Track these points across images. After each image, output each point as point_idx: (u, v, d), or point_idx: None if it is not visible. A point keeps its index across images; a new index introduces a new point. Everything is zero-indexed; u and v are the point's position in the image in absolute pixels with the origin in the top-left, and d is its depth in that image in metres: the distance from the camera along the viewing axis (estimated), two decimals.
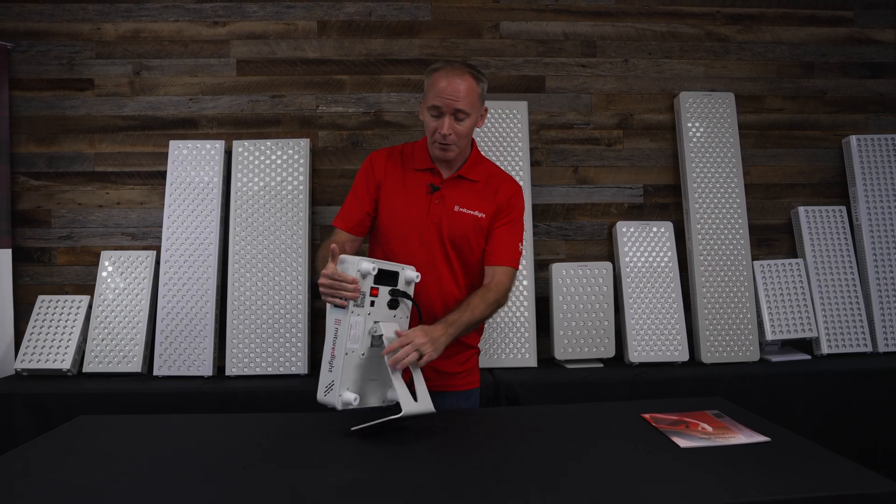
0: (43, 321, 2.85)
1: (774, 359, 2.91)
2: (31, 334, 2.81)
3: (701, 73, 3.23)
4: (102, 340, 2.80)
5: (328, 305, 1.68)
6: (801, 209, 3.12)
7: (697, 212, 3.02)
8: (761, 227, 3.20)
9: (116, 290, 2.88)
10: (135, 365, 2.78)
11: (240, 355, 2.80)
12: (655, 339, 2.87)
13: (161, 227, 2.96)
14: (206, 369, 2.80)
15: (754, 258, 3.09)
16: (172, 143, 2.98)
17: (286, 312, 2.83)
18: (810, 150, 3.26)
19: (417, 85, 3.12)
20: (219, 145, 2.97)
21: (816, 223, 3.11)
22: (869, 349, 2.97)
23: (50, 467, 1.44)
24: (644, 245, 2.99)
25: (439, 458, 1.49)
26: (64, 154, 3.07)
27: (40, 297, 2.91)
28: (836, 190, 3.25)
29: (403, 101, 3.14)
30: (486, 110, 2.04)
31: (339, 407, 1.60)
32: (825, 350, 2.94)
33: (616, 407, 1.93)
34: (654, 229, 3.01)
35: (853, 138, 3.16)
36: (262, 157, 2.95)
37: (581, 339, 2.84)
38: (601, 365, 2.85)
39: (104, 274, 2.90)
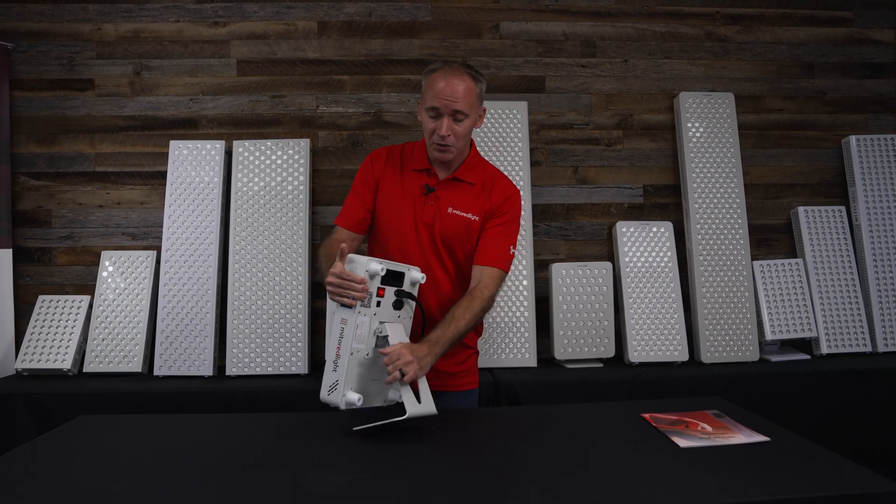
0: (43, 321, 2.85)
1: (774, 359, 2.91)
2: (31, 334, 2.82)
3: (701, 73, 3.23)
4: (103, 340, 2.81)
5: (333, 304, 1.68)
6: (801, 209, 3.12)
7: (697, 212, 3.02)
8: (761, 227, 3.21)
9: (117, 290, 2.88)
10: (135, 365, 2.78)
11: (240, 355, 2.80)
12: (655, 338, 2.87)
13: (161, 227, 2.97)
14: (207, 369, 2.80)
15: (754, 258, 3.09)
16: (173, 144, 2.98)
17: (286, 312, 2.83)
18: (810, 151, 3.26)
19: (417, 85, 3.13)
20: (219, 145, 2.98)
21: (816, 223, 3.11)
22: (868, 349, 2.97)
23: (50, 467, 1.44)
24: (644, 245, 2.99)
25: (439, 458, 1.49)
26: (64, 154, 3.08)
27: (41, 297, 2.91)
28: (835, 190, 3.25)
29: (403, 102, 3.14)
30: (484, 110, 2.03)
31: (343, 407, 1.60)
32: (825, 350, 2.95)
33: (616, 407, 1.93)
34: (654, 229, 3.02)
35: (853, 138, 3.16)
36: (263, 158, 2.95)
37: (581, 338, 2.85)
38: (601, 365, 2.85)
39: (104, 274, 2.91)
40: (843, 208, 3.14)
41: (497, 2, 3.18)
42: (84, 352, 2.83)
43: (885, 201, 3.10)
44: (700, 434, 1.58)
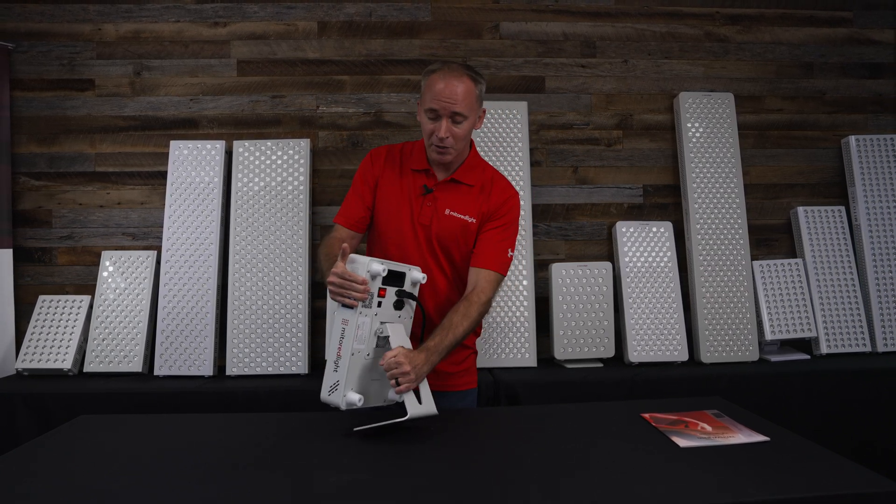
0: (44, 321, 2.85)
1: (774, 358, 2.91)
2: (31, 334, 2.82)
3: (700, 73, 3.23)
4: (103, 340, 2.81)
5: (333, 304, 1.68)
6: (801, 209, 3.13)
7: (697, 212, 3.03)
8: (761, 228, 3.21)
9: (117, 290, 2.88)
10: (135, 365, 2.78)
11: (240, 355, 2.80)
12: (655, 338, 2.88)
13: (162, 227, 2.97)
14: (207, 369, 2.81)
15: (754, 258, 3.09)
16: (173, 144, 2.98)
17: (286, 312, 2.84)
18: (809, 151, 3.27)
19: (417, 85, 3.12)
20: (219, 145, 2.98)
21: (816, 223, 3.11)
22: (868, 349, 2.98)
23: (51, 467, 1.44)
24: (644, 245, 2.99)
25: (439, 458, 1.50)
26: (65, 154, 3.08)
27: (41, 297, 2.91)
28: (835, 190, 3.25)
29: (403, 102, 3.14)
30: (483, 112, 2.02)
31: (343, 407, 1.60)
32: (824, 350, 2.95)
33: (616, 406, 1.93)
34: (654, 229, 3.02)
35: (852, 138, 3.16)
36: (263, 158, 2.95)
37: (581, 338, 2.85)
38: (601, 365, 2.85)
39: (105, 274, 2.91)
40: (842, 208, 3.15)
41: (497, 2, 3.18)
42: (84, 352, 2.83)
43: (884, 201, 3.11)
44: (700, 434, 1.59)
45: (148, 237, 3.07)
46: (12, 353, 2.91)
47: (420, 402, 1.65)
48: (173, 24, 3.11)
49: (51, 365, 2.75)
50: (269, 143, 2.98)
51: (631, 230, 3.02)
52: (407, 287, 1.73)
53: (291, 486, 1.31)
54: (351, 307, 1.63)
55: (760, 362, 2.91)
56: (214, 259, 2.88)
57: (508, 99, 3.11)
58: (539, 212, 3.14)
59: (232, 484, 1.33)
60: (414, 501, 1.25)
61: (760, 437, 1.55)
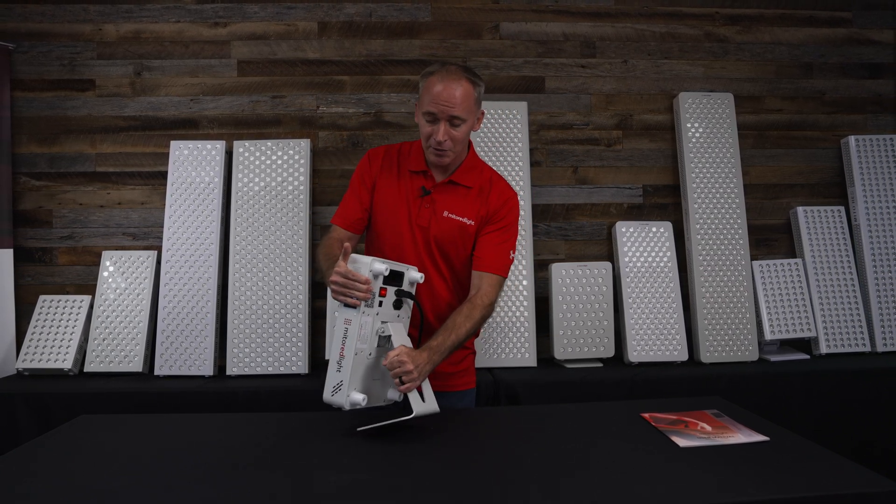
0: (44, 321, 2.85)
1: (773, 358, 2.91)
2: (32, 334, 2.82)
3: (700, 73, 3.24)
4: (104, 340, 2.81)
5: (334, 304, 1.69)
6: (800, 209, 3.13)
7: (697, 212, 3.03)
8: (760, 228, 3.21)
9: (118, 290, 2.89)
10: (136, 364, 2.78)
11: (240, 355, 2.81)
12: (655, 338, 2.88)
13: (162, 227, 2.97)
14: (207, 369, 2.81)
15: (753, 258, 3.09)
16: (173, 144, 2.99)
17: (287, 312, 2.84)
18: (809, 151, 3.27)
19: (417, 85, 3.11)
20: (219, 146, 2.98)
21: (815, 223, 3.12)
22: (867, 349, 2.98)
23: (51, 467, 1.45)
24: (643, 245, 3.00)
25: (439, 458, 1.50)
26: (65, 154, 3.08)
27: (42, 297, 2.91)
28: (834, 190, 3.26)
29: (404, 102, 3.15)
30: (482, 113, 2.01)
31: (347, 407, 1.61)
32: (824, 350, 2.95)
33: (615, 406, 1.94)
34: (654, 229, 3.02)
35: (852, 139, 3.17)
36: (263, 158, 2.96)
37: (581, 338, 2.85)
38: (601, 364, 2.86)
39: (105, 274, 2.91)
40: (842, 208, 3.15)
41: (497, 2, 3.18)
42: (85, 351, 2.83)
43: (884, 201, 3.11)
44: (699, 434, 1.59)
45: (148, 237, 3.08)
46: (13, 352, 2.91)
47: (423, 400, 1.65)
48: (174, 25, 3.11)
49: (51, 365, 2.75)
50: (269, 143, 2.98)
51: (631, 230, 3.02)
52: (405, 287, 1.73)
53: (291, 486, 1.31)
54: (353, 307, 1.63)
55: (760, 362, 2.91)
56: (215, 259, 2.88)
57: (508, 99, 3.11)
58: (539, 212, 3.15)
59: (232, 484, 1.34)
60: (414, 501, 1.25)
61: (760, 437, 1.55)
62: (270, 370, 2.80)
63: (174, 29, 3.12)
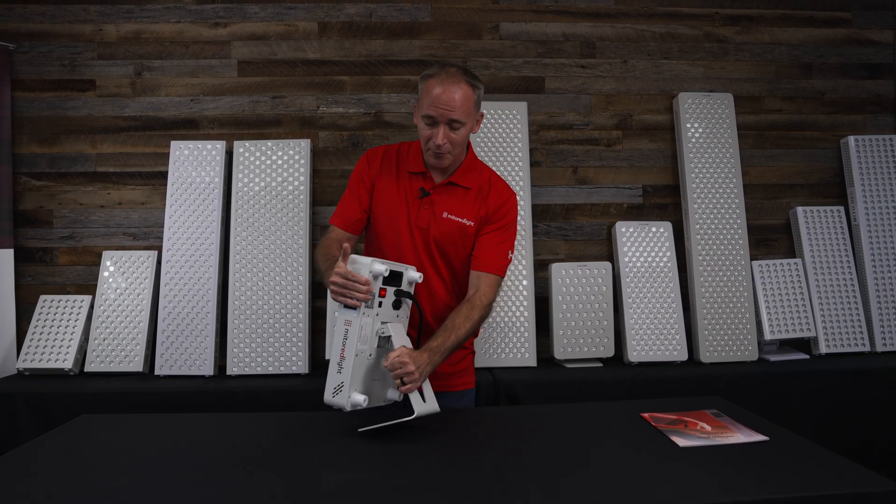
0: (45, 321, 2.86)
1: (773, 358, 2.92)
2: (32, 334, 2.82)
3: (700, 73, 3.24)
4: (104, 340, 2.81)
5: (334, 304, 1.68)
6: (800, 209, 3.13)
7: (696, 212, 3.03)
8: (760, 228, 3.22)
9: (118, 290, 2.89)
10: (136, 364, 2.79)
11: (240, 355, 2.81)
12: (654, 338, 2.88)
13: (162, 227, 2.97)
14: (207, 369, 2.81)
15: (753, 258, 3.10)
16: (174, 144, 2.99)
17: (287, 312, 2.84)
18: (809, 151, 3.27)
19: (417, 86, 3.13)
20: (220, 146, 2.98)
21: (815, 223, 3.12)
22: (867, 348, 2.98)
23: (52, 466, 1.45)
24: (643, 245, 3.00)
25: (439, 457, 1.50)
26: (66, 154, 3.08)
27: (42, 297, 2.92)
28: (834, 190, 3.26)
29: (404, 102, 3.15)
30: (481, 115, 2.01)
31: (349, 408, 1.60)
32: (823, 349, 2.95)
33: (615, 406, 1.94)
34: (654, 229, 3.02)
35: (851, 139, 3.17)
36: (263, 158, 2.96)
37: (580, 338, 2.85)
38: (600, 364, 2.86)
39: (106, 274, 2.91)
40: (841, 208, 3.15)
41: (497, 3, 3.19)
42: (85, 351, 2.83)
43: (883, 202, 3.11)
44: (699, 433, 1.59)
45: (148, 237, 3.08)
46: (13, 352, 2.92)
47: (424, 400, 1.66)
48: (174, 25, 3.12)
49: (52, 365, 2.75)
50: (269, 143, 2.98)
51: (630, 230, 3.02)
52: (404, 287, 1.74)
53: (291, 486, 1.31)
54: (353, 308, 1.63)
55: (760, 362, 2.91)
56: (215, 259, 2.89)
57: (508, 99, 3.11)
58: (539, 212, 3.15)
59: (232, 484, 1.34)
60: (414, 501, 1.25)
61: (760, 437, 1.56)
62: (271, 370, 2.80)
63: (174, 29, 3.12)
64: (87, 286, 3.03)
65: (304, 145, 2.98)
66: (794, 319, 2.95)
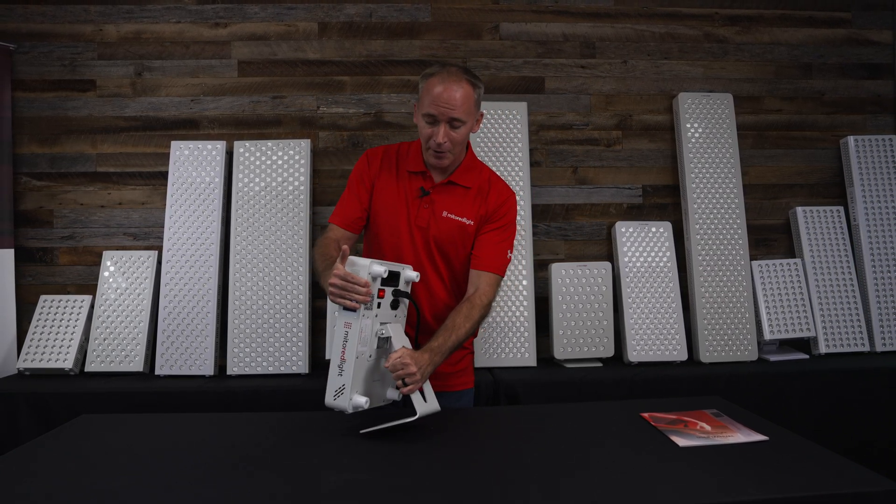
0: (45, 321, 2.86)
1: (773, 358, 2.92)
2: (33, 334, 2.82)
3: (699, 74, 3.24)
4: (104, 340, 2.82)
5: (334, 306, 1.68)
6: (799, 209, 3.13)
7: (696, 212, 3.03)
8: (759, 228, 3.22)
9: (118, 290, 2.89)
10: (136, 364, 2.79)
11: (241, 355, 2.81)
12: (654, 338, 2.88)
13: (163, 227, 2.97)
14: (208, 369, 2.81)
15: (752, 258, 3.10)
16: (174, 144, 2.99)
17: (287, 312, 2.84)
18: (808, 151, 3.27)
19: (418, 86, 3.13)
20: (220, 146, 2.98)
21: (814, 223, 3.12)
22: (866, 348, 2.98)
23: (52, 466, 1.45)
24: (643, 245, 3.00)
25: (439, 457, 1.50)
26: (66, 155, 3.09)
27: (42, 297, 2.92)
28: (833, 190, 3.26)
29: (404, 102, 3.15)
30: (481, 115, 2.02)
31: (350, 410, 1.60)
32: (823, 349, 2.96)
33: (615, 406, 1.94)
34: (653, 229, 3.03)
35: (851, 139, 3.17)
36: (263, 158, 2.96)
37: (580, 338, 2.86)
38: (600, 364, 2.86)
39: (106, 274, 2.92)
40: (841, 208, 3.15)
41: (497, 3, 3.19)
42: (86, 351, 2.84)
43: (882, 202, 3.12)
44: (699, 433, 1.59)
45: (149, 237, 3.08)
46: (14, 352, 2.92)
47: (425, 400, 1.66)
48: (174, 25, 3.12)
49: (52, 364, 2.75)
50: (269, 143, 2.98)
51: (630, 230, 3.02)
52: (401, 286, 1.74)
53: (291, 486, 1.32)
54: (353, 310, 1.63)
55: (759, 362, 2.91)
56: (215, 259, 2.89)
57: (508, 99, 3.12)
58: (539, 212, 3.15)
59: (232, 483, 1.34)
60: (414, 501, 1.26)
61: (759, 437, 1.56)
62: (271, 370, 2.81)
63: (175, 29, 3.12)
64: (88, 286, 3.03)
65: (304, 145, 2.98)
66: (794, 319, 2.95)
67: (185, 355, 2.81)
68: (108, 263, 2.93)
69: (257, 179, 2.94)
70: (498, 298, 2.86)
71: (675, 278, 2.97)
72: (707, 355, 2.91)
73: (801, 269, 3.04)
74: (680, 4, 3.24)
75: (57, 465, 1.46)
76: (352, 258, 1.66)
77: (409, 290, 1.76)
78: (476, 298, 1.92)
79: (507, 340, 2.88)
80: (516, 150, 3.02)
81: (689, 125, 3.10)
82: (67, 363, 2.76)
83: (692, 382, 2.66)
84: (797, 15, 3.28)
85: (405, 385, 1.63)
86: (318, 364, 2.91)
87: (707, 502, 1.23)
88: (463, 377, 2.14)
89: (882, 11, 3.31)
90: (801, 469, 1.37)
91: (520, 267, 2.93)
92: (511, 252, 2.04)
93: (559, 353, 2.84)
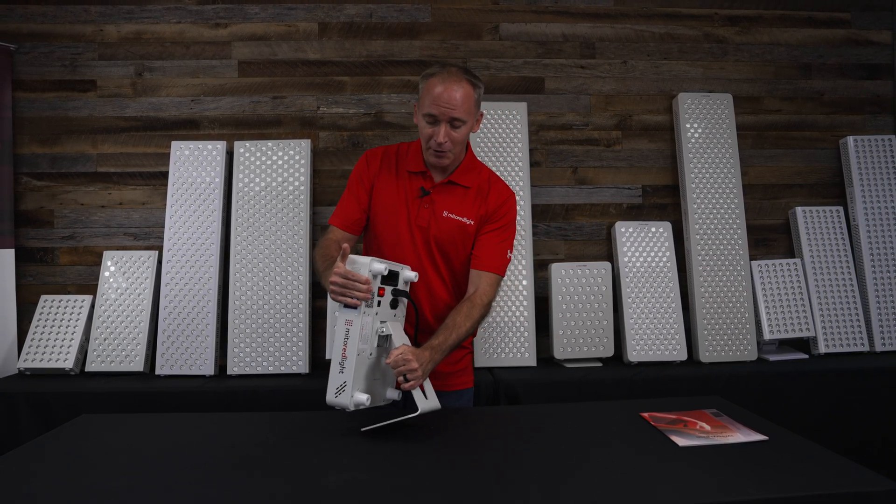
0: (46, 321, 2.86)
1: (772, 358, 2.92)
2: (33, 334, 2.83)
3: (699, 74, 3.24)
4: (105, 340, 2.82)
5: (334, 305, 1.69)
6: (799, 209, 3.14)
7: (696, 212, 3.04)
8: (759, 228, 3.22)
9: (119, 290, 2.89)
10: (137, 364, 2.79)
11: (241, 354, 2.81)
12: (654, 338, 2.89)
13: (163, 227, 2.98)
14: (208, 368, 2.81)
15: (752, 258, 3.10)
16: (174, 144, 2.99)
17: (287, 312, 2.84)
18: (808, 151, 3.28)
19: (418, 86, 3.13)
20: (220, 146, 2.99)
21: (814, 223, 3.12)
22: (866, 348, 2.99)
23: (52, 466, 1.45)
24: (643, 245, 3.00)
25: (439, 457, 1.50)
26: (66, 155, 3.09)
27: (43, 297, 2.92)
28: (833, 190, 3.27)
29: (404, 103, 3.15)
30: (481, 115, 2.03)
31: (352, 408, 1.61)
32: (822, 349, 2.96)
33: (615, 406, 1.94)
34: (653, 229, 3.03)
35: (850, 139, 3.17)
36: (264, 158, 2.96)
37: (580, 338, 2.86)
38: (600, 364, 2.86)
39: (106, 274, 2.92)
40: (840, 208, 3.16)
41: (497, 3, 3.19)
42: (86, 351, 2.84)
43: (882, 202, 3.12)
44: (699, 433, 1.60)
45: (149, 237, 3.08)
46: (14, 352, 2.92)
47: (426, 397, 1.67)
48: (175, 26, 3.12)
49: (53, 364, 2.76)
50: (269, 143, 2.98)
51: (630, 230, 3.03)
52: (400, 286, 1.75)
53: (291, 486, 1.32)
54: (354, 307, 1.64)
55: (759, 362, 2.92)
56: (215, 259, 2.89)
57: (508, 100, 3.12)
58: (538, 212, 3.15)
59: (232, 483, 1.34)
60: (414, 501, 1.26)
61: (759, 437, 1.56)
62: (271, 370, 2.81)
63: (175, 30, 3.12)
64: (88, 286, 3.03)
65: (304, 145, 2.98)
66: (794, 319, 2.96)
67: (186, 355, 2.82)
68: (109, 263, 2.93)
69: (257, 179, 2.94)
70: (498, 298, 2.86)
71: (675, 278, 2.97)
72: (707, 355, 2.91)
73: (801, 269, 3.04)
74: (680, 5, 3.24)
75: (57, 465, 1.46)
76: (352, 256, 1.67)
77: (407, 290, 1.77)
78: (476, 298, 1.93)
79: (507, 340, 2.89)
80: (516, 150, 3.02)
81: (688, 125, 3.10)
82: (68, 363, 2.76)
83: (692, 382, 2.66)
84: (797, 15, 3.29)
85: (406, 381, 1.63)
86: (319, 364, 2.92)
87: (707, 502, 1.23)
88: (462, 377, 2.15)
89: (881, 12, 3.31)
90: (801, 469, 1.37)
91: (520, 267, 2.93)
92: (511, 252, 2.05)
93: (559, 352, 2.85)
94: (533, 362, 2.87)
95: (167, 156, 3.02)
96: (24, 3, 3.07)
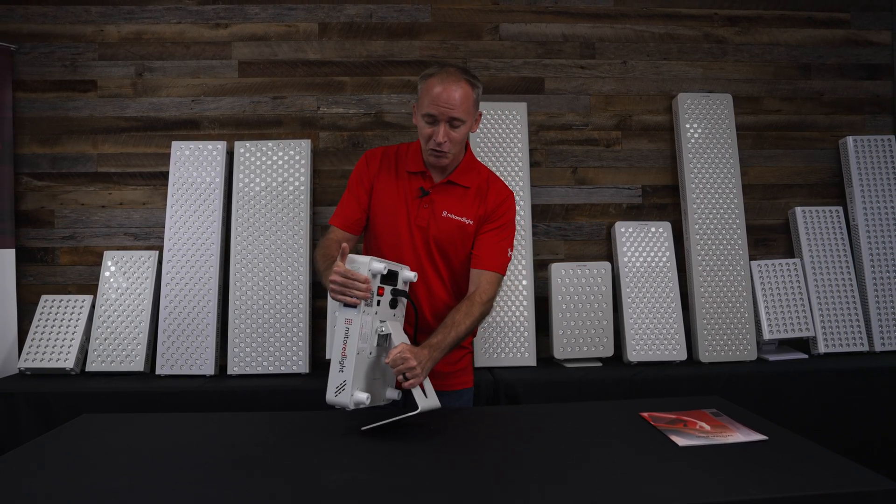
0: (46, 320, 2.86)
1: (772, 358, 2.92)
2: (34, 334, 2.83)
3: (699, 74, 3.24)
4: (105, 339, 2.82)
5: (334, 304, 1.69)
6: (799, 209, 3.14)
7: (695, 212, 3.04)
8: (759, 228, 3.22)
9: (119, 290, 2.89)
10: (137, 364, 2.79)
11: (241, 354, 2.82)
12: (654, 338, 2.89)
13: (163, 227, 2.98)
14: (208, 368, 2.82)
15: (752, 258, 3.10)
16: (175, 144, 2.99)
17: (287, 312, 2.85)
18: (807, 151, 3.28)
19: (417, 86, 3.13)
20: (220, 146, 2.99)
21: (813, 223, 3.13)
22: (865, 348, 2.99)
23: (53, 466, 1.46)
24: (642, 245, 3.00)
25: (439, 457, 1.50)
26: (67, 155, 3.09)
27: (43, 297, 2.92)
28: (832, 190, 3.27)
29: (404, 103, 3.15)
30: (480, 115, 2.03)
31: (352, 407, 1.61)
32: (822, 349, 2.96)
33: (615, 406, 1.94)
34: (653, 229, 3.03)
35: (850, 139, 3.18)
36: (264, 158, 2.97)
37: (580, 338, 2.86)
38: (600, 364, 2.87)
39: (107, 274, 2.92)
40: (840, 208, 3.16)
41: (497, 3, 3.19)
42: (86, 351, 2.84)
43: (881, 202, 3.12)
44: (698, 433, 1.60)
45: (149, 237, 3.08)
46: (15, 352, 2.92)
47: (426, 396, 1.67)
48: (175, 26, 3.12)
49: (53, 364, 2.76)
50: (270, 143, 2.99)
51: (630, 230, 3.03)
52: (399, 286, 1.75)
53: (292, 486, 1.32)
54: (353, 306, 1.64)
55: (759, 361, 2.92)
56: (216, 259, 2.89)
57: (508, 100, 3.12)
58: (538, 212, 3.16)
59: (232, 483, 1.34)
60: (414, 501, 1.26)
61: (759, 436, 1.56)
62: (271, 370, 2.81)
63: (175, 30, 3.12)
64: (89, 286, 3.04)
65: (304, 146, 2.98)
66: (793, 319, 2.96)
67: (186, 355, 2.82)
68: (109, 263, 2.93)
69: (258, 180, 2.95)
70: (498, 298, 2.86)
71: (675, 278, 2.97)
72: (706, 355, 2.91)
73: (801, 269, 3.05)
74: (679, 5, 3.24)
75: (57, 465, 1.46)
76: (352, 256, 1.68)
77: (406, 290, 1.78)
78: (476, 296, 1.93)
79: (506, 340, 2.89)
80: (516, 150, 3.02)
81: (688, 125, 3.11)
82: (68, 363, 2.76)
83: (692, 382, 2.67)
84: (796, 15, 3.29)
85: (406, 380, 1.63)
86: (319, 364, 2.92)
87: (707, 502, 1.23)
88: (462, 377, 2.15)
89: (881, 12, 3.31)
90: (801, 469, 1.37)
91: (520, 267, 2.94)
92: (511, 251, 2.05)
93: (559, 352, 2.85)
94: (533, 362, 2.88)
95: (167, 156, 3.03)
96: (24, 4, 3.07)
